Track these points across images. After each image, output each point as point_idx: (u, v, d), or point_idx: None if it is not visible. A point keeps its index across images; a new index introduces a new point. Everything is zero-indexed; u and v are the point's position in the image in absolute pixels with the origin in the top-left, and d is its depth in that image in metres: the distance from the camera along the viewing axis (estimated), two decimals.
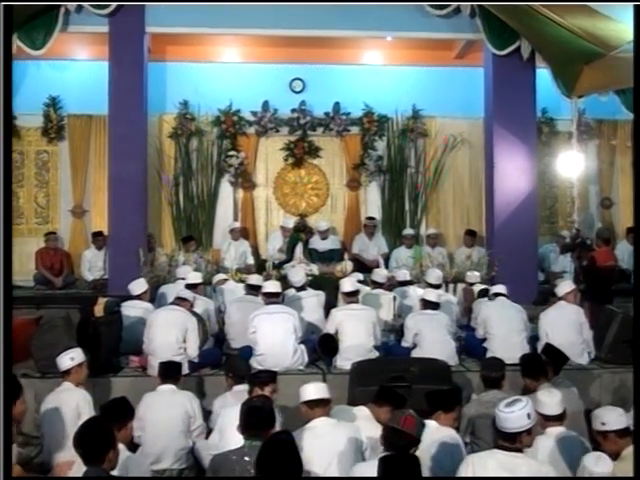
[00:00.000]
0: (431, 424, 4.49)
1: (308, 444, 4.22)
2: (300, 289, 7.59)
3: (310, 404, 4.47)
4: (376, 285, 7.92)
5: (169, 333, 6.51)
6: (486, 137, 9.98)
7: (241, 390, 5.27)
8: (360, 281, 7.92)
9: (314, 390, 4.51)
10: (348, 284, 7.13)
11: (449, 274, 8.90)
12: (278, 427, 4.64)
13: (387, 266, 9.60)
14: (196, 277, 7.73)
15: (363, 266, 9.48)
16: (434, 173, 10.88)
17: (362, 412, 4.82)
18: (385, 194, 10.91)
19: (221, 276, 8.54)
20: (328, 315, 7.04)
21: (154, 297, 7.95)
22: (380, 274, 8.12)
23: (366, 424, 4.60)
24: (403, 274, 8.40)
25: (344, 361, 6.64)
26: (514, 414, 3.79)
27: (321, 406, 4.47)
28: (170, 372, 5.48)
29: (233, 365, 5.68)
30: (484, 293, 7.78)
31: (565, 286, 7.17)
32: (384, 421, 4.41)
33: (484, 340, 7.07)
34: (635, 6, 7.28)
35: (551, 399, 4.48)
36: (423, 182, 10.90)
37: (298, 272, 7.90)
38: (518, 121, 9.45)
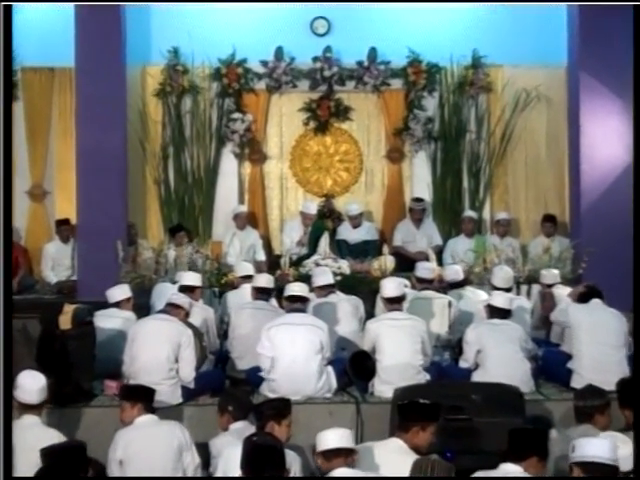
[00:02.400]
0: (509, 467, 4.49)
1: None
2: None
3: (327, 455, 4.53)
4: (422, 283, 7.88)
5: (157, 350, 6.54)
6: (570, 92, 9.90)
7: (241, 428, 5.31)
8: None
9: (332, 438, 4.57)
10: (391, 287, 7.11)
11: (521, 272, 8.86)
12: (298, 471, 4.69)
13: (441, 262, 9.59)
14: (193, 278, 7.77)
15: (408, 262, 9.45)
16: (501, 140, 10.82)
17: (394, 444, 4.86)
18: (437, 168, 10.88)
19: None
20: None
21: (148, 304, 8.01)
22: (425, 267, 8.09)
23: (401, 458, 4.61)
24: (454, 272, 8.36)
25: (383, 386, 6.62)
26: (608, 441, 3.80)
27: (341, 456, 4.53)
28: (145, 397, 5.56)
29: (234, 396, 5.71)
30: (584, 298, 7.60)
31: None
32: (422, 445, 4.58)
33: (568, 359, 7.02)
34: (635, 6, 7.97)
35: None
36: (487, 151, 10.85)
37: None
38: (613, 70, 9.38)
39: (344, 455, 4.54)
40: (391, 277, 7.86)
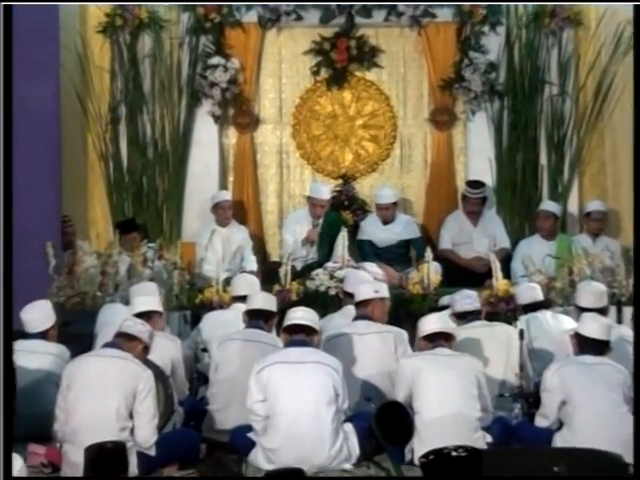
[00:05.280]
0: None
1: None
2: None
3: None
4: (463, 319, 7.78)
5: (103, 401, 6.49)
6: None
7: None
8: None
9: None
10: (431, 321, 7.08)
11: (624, 287, 8.85)
12: None
13: (509, 273, 9.60)
14: (149, 302, 7.72)
15: (461, 273, 9.48)
16: (595, 96, 10.87)
17: None
18: (502, 137, 10.95)
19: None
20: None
21: (91, 333, 8.01)
22: (464, 296, 7.89)
23: None
24: (529, 290, 8.37)
25: (426, 450, 6.61)
26: None
27: None
28: (113, 464, 5.55)
29: (223, 464, 5.73)
30: None
31: None
32: None
33: None
34: (635, 6, 9.21)
35: None
36: (574, 113, 10.86)
37: None
38: None
39: None
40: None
